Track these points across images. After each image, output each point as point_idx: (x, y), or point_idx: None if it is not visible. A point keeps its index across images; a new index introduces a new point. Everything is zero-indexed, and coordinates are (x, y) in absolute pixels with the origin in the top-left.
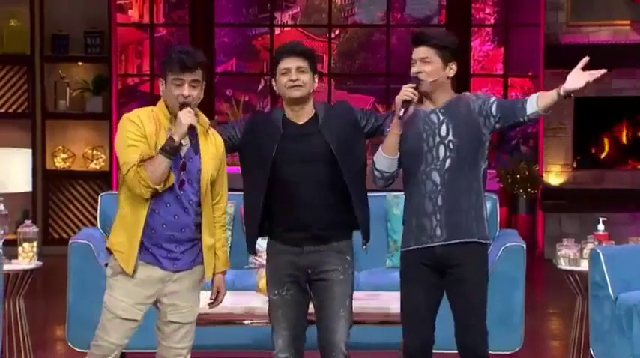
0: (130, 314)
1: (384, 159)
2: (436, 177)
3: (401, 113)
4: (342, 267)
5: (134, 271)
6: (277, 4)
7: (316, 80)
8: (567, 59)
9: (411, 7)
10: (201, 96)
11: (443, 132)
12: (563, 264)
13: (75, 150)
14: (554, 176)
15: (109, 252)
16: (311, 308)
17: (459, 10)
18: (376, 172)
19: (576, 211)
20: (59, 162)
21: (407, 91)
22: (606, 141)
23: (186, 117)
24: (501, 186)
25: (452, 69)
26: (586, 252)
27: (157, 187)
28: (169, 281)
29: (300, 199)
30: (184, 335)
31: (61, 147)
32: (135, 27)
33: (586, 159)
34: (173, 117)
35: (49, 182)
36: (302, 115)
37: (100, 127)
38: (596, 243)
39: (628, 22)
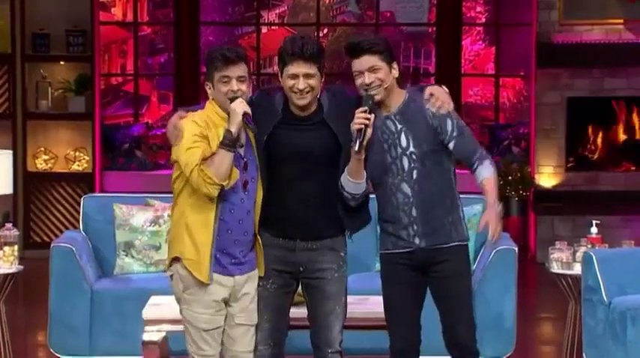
0: (214, 323)
1: (352, 183)
2: (406, 188)
3: (356, 146)
4: (336, 265)
5: (208, 279)
6: (264, 2)
7: (323, 79)
8: (560, 58)
9: (400, 6)
10: (250, 93)
11: (403, 143)
12: (555, 268)
13: (57, 152)
14: (547, 178)
15: (175, 261)
16: (300, 312)
17: (450, 9)
18: (345, 194)
19: (569, 214)
20: (41, 163)
21: (359, 118)
22: (600, 142)
23: (240, 106)
24: None
25: (395, 69)
26: (579, 255)
27: (224, 183)
28: (238, 286)
29: (295, 193)
30: (252, 338)
31: (42, 149)
32: (118, 25)
33: (579, 161)
34: (227, 115)
35: (31, 184)
36: (305, 111)
37: (83, 128)
38: (590, 246)
39: (621, 20)
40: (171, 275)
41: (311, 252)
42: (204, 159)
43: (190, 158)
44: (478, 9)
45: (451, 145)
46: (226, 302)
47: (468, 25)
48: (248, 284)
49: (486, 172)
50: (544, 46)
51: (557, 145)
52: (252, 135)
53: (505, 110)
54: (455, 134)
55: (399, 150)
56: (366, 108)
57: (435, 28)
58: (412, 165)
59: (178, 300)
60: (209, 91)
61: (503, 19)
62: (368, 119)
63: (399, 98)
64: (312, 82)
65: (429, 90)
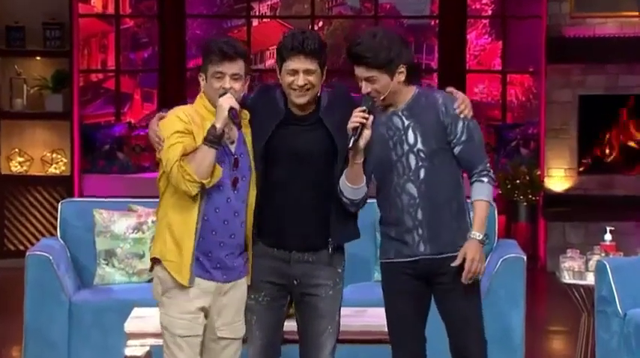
0: (191, 330)
1: (350, 189)
2: (412, 189)
3: (350, 143)
4: (332, 281)
5: (189, 282)
6: None
7: (324, 76)
8: (571, 53)
9: None
10: (245, 92)
11: (410, 139)
12: (567, 278)
13: (32, 154)
14: (557, 181)
15: (156, 263)
16: (292, 326)
17: (454, 0)
18: (344, 199)
19: (581, 220)
20: (15, 166)
21: (356, 117)
22: (614, 143)
23: (227, 101)
24: (499, 192)
25: (401, 73)
26: (592, 264)
27: (204, 181)
28: (220, 294)
29: (290, 198)
30: (235, 352)
31: (17, 150)
32: (98, 18)
33: (592, 163)
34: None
35: (4, 188)
36: (304, 110)
37: (60, 128)
38: (603, 254)
39: (637, 13)
40: (151, 278)
41: (307, 265)
42: (187, 155)
43: (171, 154)
44: (484, 0)
45: (456, 150)
46: (207, 314)
47: (473, 17)
48: (232, 292)
49: (482, 193)
50: (554, 40)
51: (569, 146)
52: (248, 131)
53: (513, 109)
54: (463, 139)
55: (406, 148)
56: (365, 107)
57: (437, 21)
58: (419, 163)
59: (158, 305)
60: (202, 83)
61: (511, 11)
62: (365, 119)
63: (406, 95)
64: (312, 78)
65: (450, 88)
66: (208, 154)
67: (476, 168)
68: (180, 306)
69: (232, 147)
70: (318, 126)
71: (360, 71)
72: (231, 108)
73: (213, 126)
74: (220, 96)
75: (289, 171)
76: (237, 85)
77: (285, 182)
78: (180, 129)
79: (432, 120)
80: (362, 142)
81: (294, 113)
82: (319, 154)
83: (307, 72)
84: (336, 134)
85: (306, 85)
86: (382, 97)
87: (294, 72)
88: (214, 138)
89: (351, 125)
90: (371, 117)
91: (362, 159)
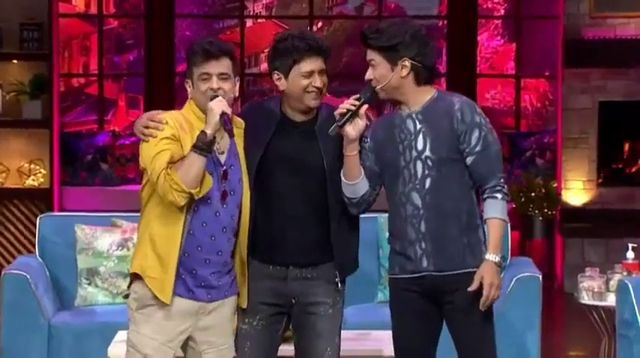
0: (162, 353)
1: (345, 185)
2: (416, 199)
3: (331, 129)
4: (331, 300)
5: (170, 301)
6: None
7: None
8: (590, 56)
9: None
10: (236, 93)
11: (419, 145)
12: (586, 299)
13: (9, 164)
14: (576, 194)
15: (135, 278)
16: (288, 350)
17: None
18: (345, 198)
19: (601, 236)
20: None
21: (346, 103)
22: (637, 153)
23: (218, 104)
24: (513, 206)
25: (404, 67)
26: (613, 283)
27: (192, 191)
28: (203, 315)
29: (287, 212)
30: None
31: None
32: (80, 18)
33: (613, 175)
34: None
35: None
36: (308, 114)
37: (39, 137)
38: (625, 273)
39: None
40: (126, 295)
41: (305, 282)
42: (174, 163)
43: (157, 163)
44: None
45: (469, 160)
46: (188, 339)
47: (484, 17)
48: (218, 312)
49: (496, 210)
50: (572, 42)
51: (588, 157)
52: (241, 141)
53: (527, 116)
54: (477, 149)
55: (414, 154)
56: (360, 96)
57: (446, 22)
58: (426, 171)
59: (129, 320)
60: (189, 89)
61: (525, 10)
62: (355, 106)
63: (423, 96)
64: (325, 79)
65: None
66: (197, 162)
67: (488, 183)
68: (155, 326)
69: (222, 158)
70: (314, 137)
71: (367, 55)
72: (223, 113)
73: (203, 132)
74: (211, 99)
75: (287, 181)
76: (226, 86)
77: (282, 193)
78: (167, 136)
79: (445, 126)
80: (354, 132)
81: (291, 119)
82: (314, 165)
83: (321, 72)
84: (325, 152)
85: (323, 85)
86: (381, 87)
87: (310, 73)
88: (204, 145)
89: (338, 111)
90: (364, 107)
91: (354, 152)
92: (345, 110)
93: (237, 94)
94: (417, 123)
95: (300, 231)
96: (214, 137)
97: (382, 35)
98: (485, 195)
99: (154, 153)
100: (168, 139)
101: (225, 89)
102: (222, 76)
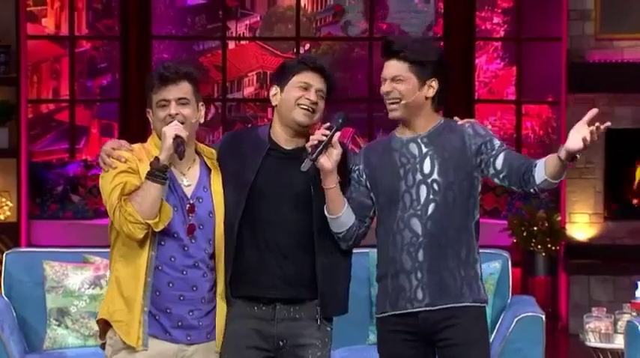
0: None
1: (330, 219)
2: (416, 225)
3: (304, 164)
4: (320, 342)
5: (140, 344)
6: (231, 11)
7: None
8: (596, 81)
9: (399, 16)
10: (200, 120)
11: (426, 168)
12: (592, 340)
13: None
14: (581, 228)
15: (105, 325)
16: None
17: (461, 20)
18: (333, 233)
19: (609, 273)
20: None
21: (317, 134)
22: None
23: (172, 128)
24: (514, 240)
25: (431, 87)
26: (621, 324)
27: (150, 221)
28: None
29: (273, 242)
30: None
31: None
32: (50, 40)
33: (620, 208)
34: None
35: None
36: (293, 142)
37: (6, 167)
38: (634, 313)
39: None
40: (102, 344)
41: (293, 323)
42: (128, 194)
43: (112, 197)
44: (495, 20)
45: (500, 157)
46: None
47: (483, 39)
48: (200, 356)
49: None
50: (577, 66)
51: (594, 188)
52: (217, 172)
53: (529, 144)
54: (503, 147)
55: (419, 178)
56: (332, 124)
57: (442, 43)
58: (430, 196)
59: None
60: (150, 119)
61: (527, 32)
62: (325, 136)
63: (430, 121)
64: (322, 102)
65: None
66: (152, 190)
67: (529, 162)
68: None
69: (188, 191)
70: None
71: (390, 67)
72: (177, 136)
73: (156, 158)
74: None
75: (274, 211)
76: (185, 111)
77: (269, 222)
78: (125, 169)
79: (456, 144)
80: (329, 163)
81: (280, 146)
82: (306, 194)
83: (319, 92)
84: (314, 182)
85: (316, 103)
86: (405, 104)
87: (307, 86)
88: (158, 171)
89: (309, 143)
90: (337, 134)
91: (333, 185)
92: (316, 142)
93: (201, 120)
94: (423, 146)
95: (285, 262)
96: (168, 165)
97: (414, 50)
98: (531, 171)
99: (110, 189)
100: (125, 173)
101: (184, 114)
102: (181, 101)
